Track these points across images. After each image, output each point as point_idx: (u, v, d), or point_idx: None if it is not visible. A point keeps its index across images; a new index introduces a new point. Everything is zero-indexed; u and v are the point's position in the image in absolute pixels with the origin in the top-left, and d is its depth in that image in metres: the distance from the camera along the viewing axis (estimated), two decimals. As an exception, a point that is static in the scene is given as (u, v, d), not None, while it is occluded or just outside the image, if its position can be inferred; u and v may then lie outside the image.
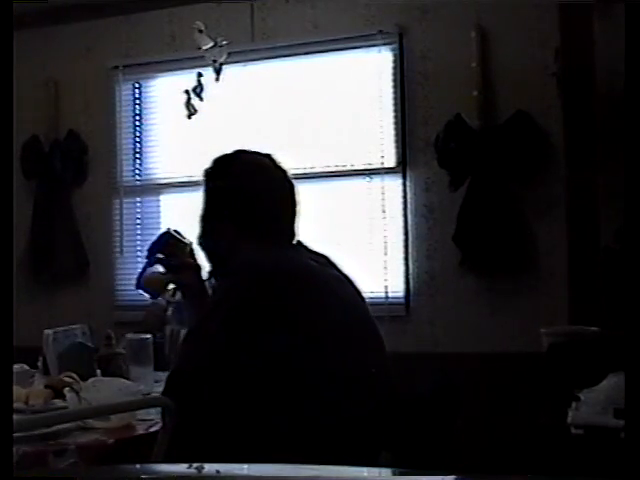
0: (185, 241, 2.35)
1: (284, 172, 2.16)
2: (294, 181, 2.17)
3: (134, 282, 4.81)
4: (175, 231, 2.39)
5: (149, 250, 2.38)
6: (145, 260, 2.39)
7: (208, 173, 2.19)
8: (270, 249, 2.06)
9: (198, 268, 2.28)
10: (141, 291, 2.40)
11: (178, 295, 2.60)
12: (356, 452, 1.84)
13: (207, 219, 2.15)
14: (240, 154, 2.21)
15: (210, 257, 2.19)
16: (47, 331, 2.85)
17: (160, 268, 2.34)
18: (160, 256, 2.31)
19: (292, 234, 2.13)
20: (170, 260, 2.29)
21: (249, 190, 2.12)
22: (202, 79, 4.03)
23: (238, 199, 2.11)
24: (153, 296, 2.52)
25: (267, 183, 2.14)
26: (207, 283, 3.36)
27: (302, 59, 4.53)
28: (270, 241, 2.08)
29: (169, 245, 2.33)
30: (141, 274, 2.41)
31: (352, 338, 2.01)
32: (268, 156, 2.18)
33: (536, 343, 3.21)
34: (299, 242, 2.14)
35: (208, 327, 1.95)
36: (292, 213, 2.13)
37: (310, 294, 1.97)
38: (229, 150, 2.23)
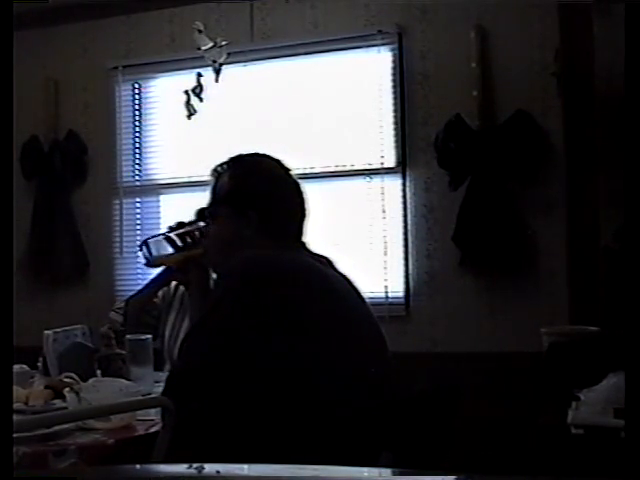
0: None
1: (296, 180, 2.19)
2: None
3: (134, 282, 4.81)
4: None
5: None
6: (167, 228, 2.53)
7: (221, 171, 2.20)
8: (274, 250, 2.06)
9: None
10: (141, 253, 2.50)
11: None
12: (356, 452, 1.84)
13: (221, 210, 2.16)
14: (259, 156, 2.24)
15: (214, 249, 2.20)
16: (47, 331, 2.85)
17: (169, 248, 2.46)
18: (182, 231, 2.42)
19: (300, 238, 2.15)
20: (187, 243, 2.41)
21: (268, 191, 2.14)
22: (202, 79, 4.03)
23: (258, 198, 2.12)
24: (148, 262, 2.59)
25: (283, 187, 2.17)
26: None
27: (302, 59, 4.52)
28: (278, 242, 2.09)
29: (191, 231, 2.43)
30: (153, 237, 2.52)
31: (353, 338, 2.01)
32: (279, 161, 2.21)
33: (536, 343, 3.21)
34: (301, 243, 2.15)
35: (209, 326, 1.95)
36: (302, 219, 2.16)
37: (312, 293, 1.98)
38: (223, 154, 2.26)
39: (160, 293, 3.38)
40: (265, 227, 2.10)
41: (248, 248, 2.05)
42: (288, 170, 2.20)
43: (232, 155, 2.25)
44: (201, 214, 2.24)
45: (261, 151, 2.26)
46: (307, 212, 2.17)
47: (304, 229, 2.16)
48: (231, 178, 2.17)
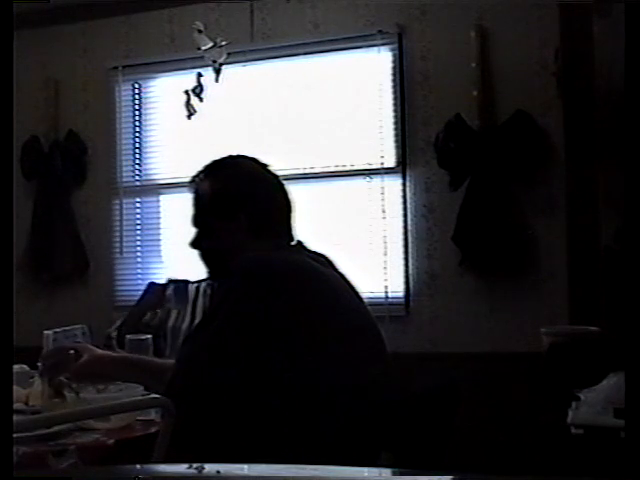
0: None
1: (276, 175, 2.19)
2: (290, 183, 2.21)
3: (134, 282, 4.83)
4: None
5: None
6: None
7: (199, 180, 2.19)
8: (272, 250, 2.06)
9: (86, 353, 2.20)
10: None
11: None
12: (356, 452, 1.84)
13: (210, 219, 2.15)
14: (235, 158, 2.23)
15: (211, 258, 2.19)
16: (47, 331, 2.85)
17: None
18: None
19: (291, 235, 2.15)
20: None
21: (253, 191, 2.14)
22: (202, 79, 4.03)
23: (244, 199, 2.12)
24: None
25: (267, 185, 2.16)
26: (205, 283, 3.37)
27: (302, 59, 4.52)
28: (274, 242, 2.09)
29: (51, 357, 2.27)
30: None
31: (352, 338, 2.01)
32: (256, 160, 2.21)
33: (536, 343, 3.21)
34: (299, 242, 2.15)
35: (209, 328, 1.95)
36: (289, 214, 2.15)
37: (310, 293, 1.97)
38: (223, 154, 2.25)
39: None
40: (257, 228, 2.10)
41: (244, 252, 2.04)
42: (266, 166, 2.20)
43: (212, 160, 2.24)
44: (193, 224, 2.20)
45: (260, 152, 2.26)
46: (292, 206, 2.17)
47: (293, 224, 2.16)
48: (213, 185, 2.15)
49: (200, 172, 2.20)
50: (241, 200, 2.11)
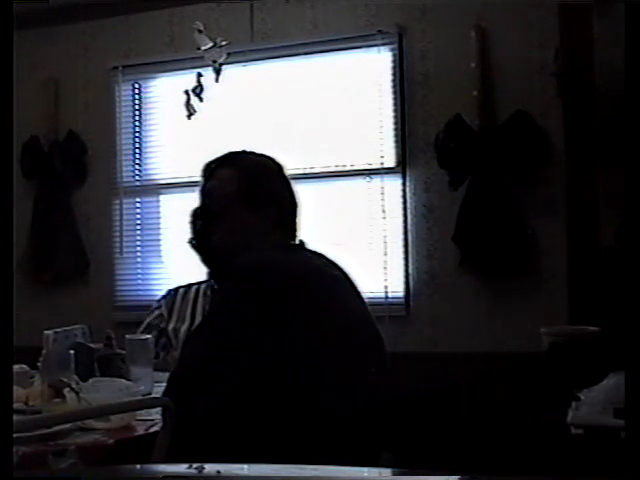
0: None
1: (285, 172, 2.21)
2: (294, 182, 2.22)
3: (134, 282, 4.83)
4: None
5: None
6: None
7: (212, 169, 2.19)
8: (277, 248, 2.07)
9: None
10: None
11: None
12: (356, 452, 1.84)
13: (228, 213, 2.15)
14: (250, 154, 2.24)
15: (213, 256, 2.18)
16: (47, 331, 2.85)
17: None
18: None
19: (295, 235, 2.16)
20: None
21: (280, 186, 2.16)
22: (202, 79, 4.02)
23: (273, 194, 2.14)
24: None
25: (287, 180, 2.18)
26: (206, 285, 3.36)
27: (302, 59, 4.52)
28: (282, 240, 2.10)
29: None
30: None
31: (352, 338, 2.01)
32: (272, 157, 2.22)
33: (536, 343, 3.21)
34: (301, 242, 2.16)
35: (211, 328, 1.95)
36: (295, 212, 2.17)
37: (312, 295, 1.98)
38: (232, 149, 2.25)
39: (163, 302, 3.43)
40: (280, 223, 2.12)
41: (261, 245, 2.05)
42: (281, 167, 2.22)
43: (224, 153, 2.24)
44: (204, 214, 2.18)
45: (260, 152, 2.27)
46: (299, 206, 2.19)
47: (299, 224, 2.18)
48: (240, 175, 2.15)
49: (214, 161, 2.20)
50: (272, 194, 2.14)
